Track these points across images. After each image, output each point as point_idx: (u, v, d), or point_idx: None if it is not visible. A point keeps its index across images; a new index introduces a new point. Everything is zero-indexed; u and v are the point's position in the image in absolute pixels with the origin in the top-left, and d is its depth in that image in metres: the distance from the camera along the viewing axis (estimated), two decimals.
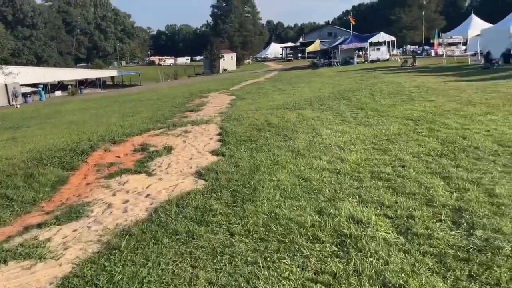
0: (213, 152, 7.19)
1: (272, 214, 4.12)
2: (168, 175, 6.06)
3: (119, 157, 7.41)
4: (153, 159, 7.03)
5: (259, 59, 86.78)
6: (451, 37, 39.27)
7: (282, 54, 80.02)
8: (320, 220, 3.89)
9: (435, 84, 15.16)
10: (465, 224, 3.60)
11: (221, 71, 57.58)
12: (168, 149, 7.59)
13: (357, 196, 4.44)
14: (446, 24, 64.08)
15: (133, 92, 34.35)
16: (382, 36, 39.96)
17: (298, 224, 3.86)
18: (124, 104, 20.69)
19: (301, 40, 74.81)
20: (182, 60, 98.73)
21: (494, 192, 4.24)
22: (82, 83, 52.33)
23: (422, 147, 5.99)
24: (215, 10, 68.15)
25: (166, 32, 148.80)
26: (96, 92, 46.55)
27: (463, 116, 7.90)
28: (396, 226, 3.70)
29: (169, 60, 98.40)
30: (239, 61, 64.78)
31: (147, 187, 5.58)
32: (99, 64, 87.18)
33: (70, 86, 49.90)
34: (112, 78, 62.77)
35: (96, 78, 54.46)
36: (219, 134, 8.48)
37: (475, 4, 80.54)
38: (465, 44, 44.06)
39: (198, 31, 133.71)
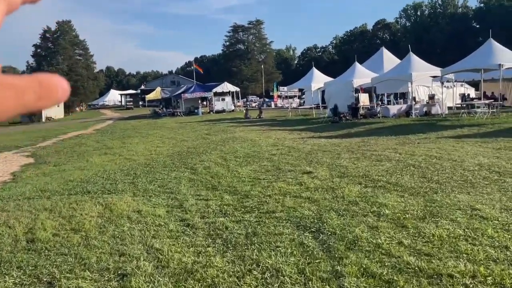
0: None
1: None
2: None
3: None
4: None
5: (96, 106, 78.25)
6: (289, 91, 40.56)
7: (121, 101, 73.63)
8: None
9: (293, 142, 12.72)
10: None
11: (43, 120, 48.20)
12: None
13: None
14: (282, 78, 68.53)
15: None
16: (226, 86, 38.65)
17: None
18: None
19: (142, 87, 70.12)
20: None
21: None
22: None
23: None
24: (38, 50, 58.50)
25: None
26: None
27: (399, 224, 4.15)
28: None
29: None
30: (68, 108, 55.95)
31: None
32: None
33: None
34: None
35: None
36: None
37: (303, 62, 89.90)
38: (299, 97, 46.65)
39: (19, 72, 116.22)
